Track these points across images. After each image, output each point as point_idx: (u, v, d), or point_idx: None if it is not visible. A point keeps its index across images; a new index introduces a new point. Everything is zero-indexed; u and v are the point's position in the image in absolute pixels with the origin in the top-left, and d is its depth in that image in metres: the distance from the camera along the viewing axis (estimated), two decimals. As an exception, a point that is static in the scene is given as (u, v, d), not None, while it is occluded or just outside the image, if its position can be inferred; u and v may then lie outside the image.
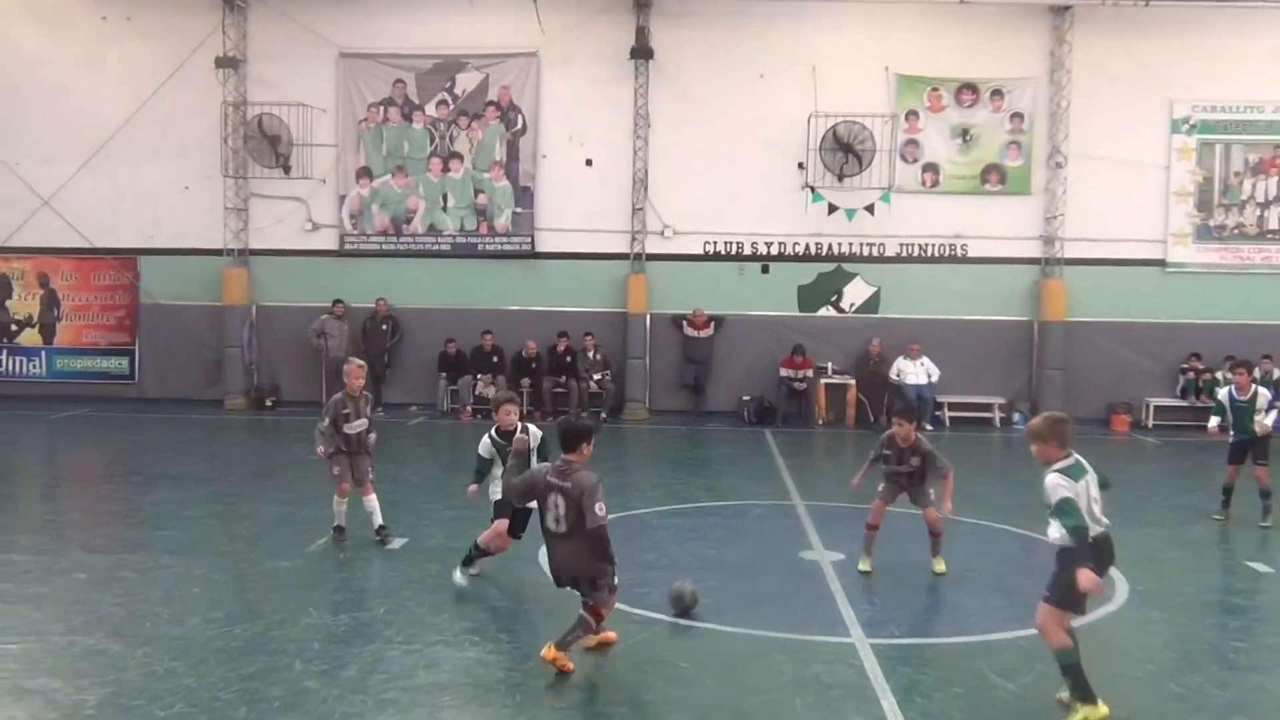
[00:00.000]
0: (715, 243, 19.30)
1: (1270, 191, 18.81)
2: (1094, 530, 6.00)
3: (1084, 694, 5.88)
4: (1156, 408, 18.60)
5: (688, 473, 14.61)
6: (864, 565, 9.05)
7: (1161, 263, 18.87)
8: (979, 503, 11.97)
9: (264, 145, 19.36)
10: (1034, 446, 6.03)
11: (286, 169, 19.45)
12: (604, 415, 18.70)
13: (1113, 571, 9.04)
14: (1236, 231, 18.86)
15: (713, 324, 19.05)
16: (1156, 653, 7.37)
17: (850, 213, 18.86)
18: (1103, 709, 5.77)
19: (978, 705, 6.24)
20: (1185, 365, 18.52)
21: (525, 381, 18.53)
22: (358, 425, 9.49)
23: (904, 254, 19.12)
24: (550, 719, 5.92)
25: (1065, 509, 5.76)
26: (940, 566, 9.03)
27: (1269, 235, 18.81)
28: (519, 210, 19.45)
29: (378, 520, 9.61)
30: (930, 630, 7.66)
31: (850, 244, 19.14)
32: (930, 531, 9.06)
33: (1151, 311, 18.71)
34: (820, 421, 18.52)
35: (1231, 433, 11.42)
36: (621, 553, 10.03)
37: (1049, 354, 18.62)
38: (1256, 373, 17.98)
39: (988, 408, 18.80)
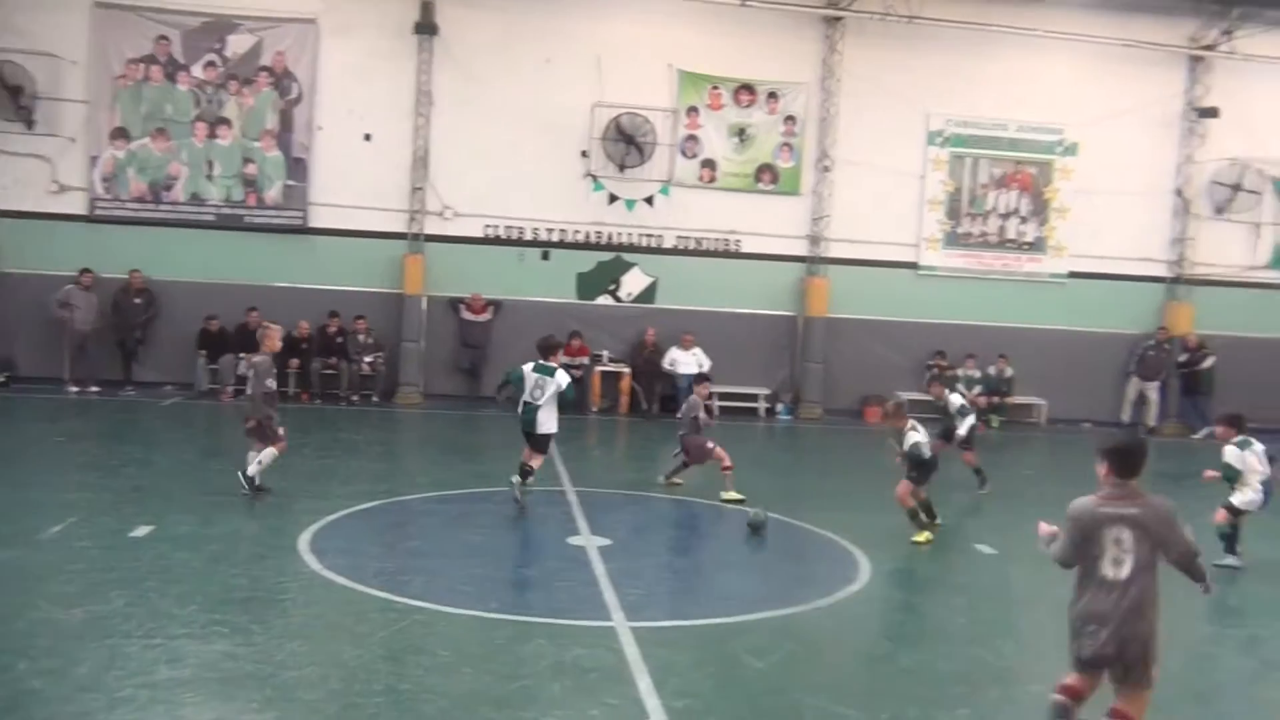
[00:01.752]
0: (496, 226, 19.16)
1: (1010, 204, 20.44)
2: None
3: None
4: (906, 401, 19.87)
5: (459, 458, 14.48)
6: None
7: (914, 265, 20.17)
8: (742, 489, 12.45)
9: (3, 96, 17.71)
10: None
11: (30, 123, 17.87)
12: (375, 399, 18.27)
13: (857, 554, 9.68)
14: (980, 239, 20.39)
15: (491, 308, 18.92)
16: (892, 628, 7.91)
17: (630, 203, 19.17)
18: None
19: (728, 683, 6.51)
20: (931, 362, 19.89)
21: (294, 362, 17.82)
22: (272, 384, 10.62)
23: (681, 246, 19.60)
24: (301, 713, 5.74)
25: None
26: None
27: (1008, 244, 20.44)
28: (291, 183, 18.64)
29: (254, 470, 10.45)
30: (690, 613, 7.90)
31: (629, 234, 19.45)
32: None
33: (904, 311, 19.97)
34: (594, 408, 18.75)
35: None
36: (385, 540, 9.94)
37: (811, 348, 19.57)
38: (992, 370, 19.63)
39: (754, 398, 19.57)
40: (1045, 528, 5.51)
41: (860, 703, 6.28)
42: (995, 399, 19.67)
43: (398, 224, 18.87)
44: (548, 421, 11.02)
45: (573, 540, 9.75)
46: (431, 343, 18.92)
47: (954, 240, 20.26)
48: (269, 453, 10.53)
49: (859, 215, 19.66)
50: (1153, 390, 20.19)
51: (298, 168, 18.62)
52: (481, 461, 14.24)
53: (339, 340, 18.32)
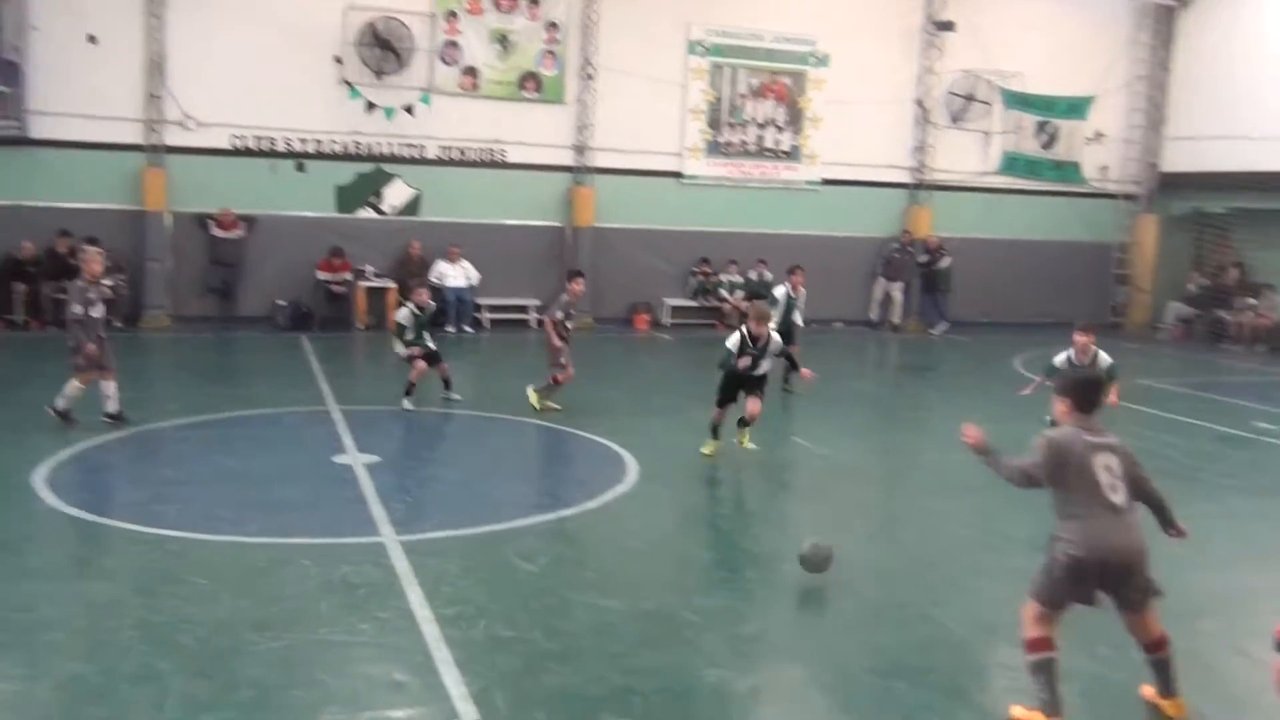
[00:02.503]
0: (244, 137, 18.01)
1: (767, 114, 21.05)
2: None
3: None
4: (672, 307, 20.43)
5: (213, 382, 13.78)
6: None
7: (678, 174, 20.53)
8: (511, 399, 12.48)
9: None
10: None
11: None
12: (117, 324, 17.02)
13: (626, 456, 9.94)
14: (740, 148, 20.95)
15: (243, 224, 17.87)
16: (658, 524, 8.21)
17: (389, 112, 18.45)
18: None
19: (499, 587, 6.60)
20: (695, 269, 20.46)
21: (22, 287, 16.34)
22: (99, 310, 10.10)
23: (444, 157, 19.10)
24: (44, 654, 5.40)
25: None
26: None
27: (766, 153, 21.10)
28: (6, 89, 16.78)
29: (114, 406, 10.04)
30: (460, 523, 7.91)
31: (390, 144, 18.75)
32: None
33: (669, 219, 20.34)
34: (360, 326, 18.22)
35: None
36: (133, 471, 9.39)
37: (580, 257, 19.60)
38: (753, 275, 20.40)
39: (524, 309, 19.55)
40: (973, 431, 5.33)
41: (626, 595, 6.51)
42: (757, 302, 20.45)
43: (133, 135, 17.42)
44: None
45: (338, 459, 9.52)
46: (179, 262, 17.75)
47: (715, 149, 20.71)
48: (74, 384, 9.96)
49: (623, 124, 19.72)
50: (897, 290, 21.55)
51: (12, 72, 16.77)
52: (237, 385, 13.63)
53: (72, 261, 16.89)
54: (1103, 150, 22.88)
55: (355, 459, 9.49)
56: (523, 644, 5.74)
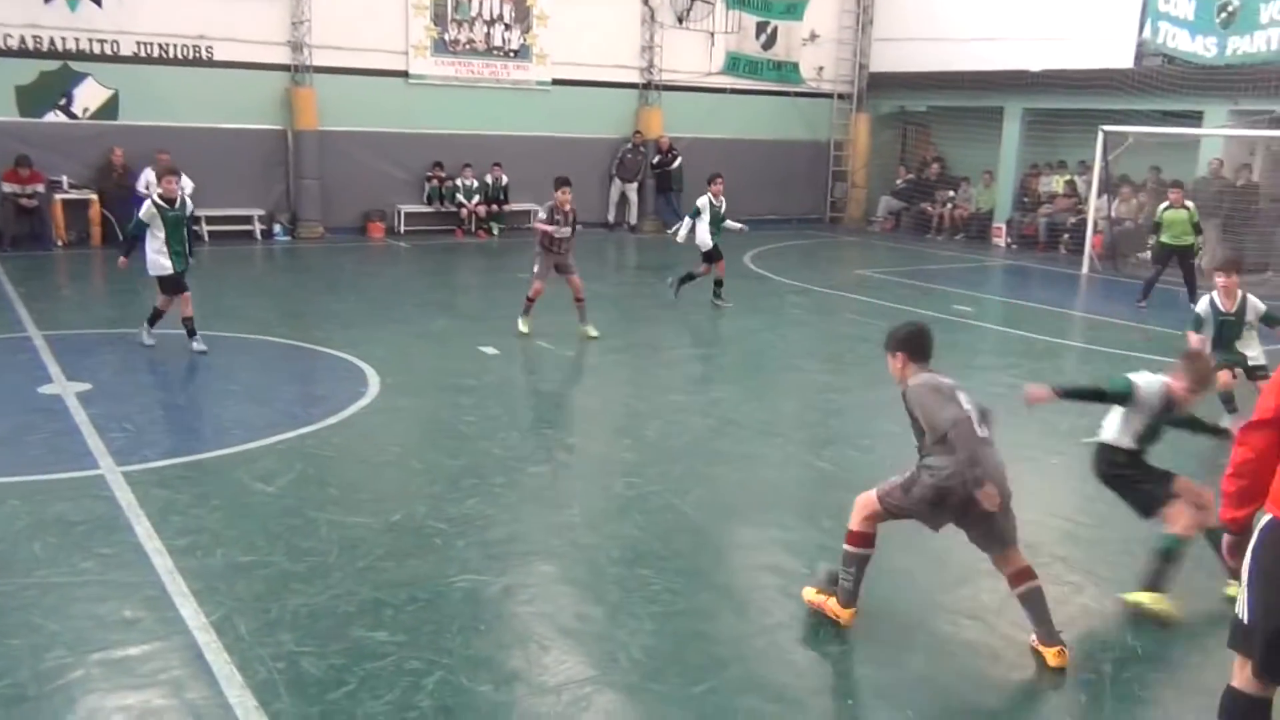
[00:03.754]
0: (-103, 30, 15.76)
1: (494, 10, 20.50)
2: None
3: None
4: (407, 214, 19.84)
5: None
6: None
7: (405, 74, 19.73)
8: (239, 316, 11.87)
9: None
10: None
11: None
12: None
13: (366, 369, 9.69)
14: (468, 47, 20.36)
15: (-96, 131, 15.74)
16: (402, 435, 8.08)
17: (73, 2, 16.60)
18: None
19: (236, 512, 6.32)
20: (429, 174, 19.89)
21: None
22: None
23: (142, 54, 17.43)
24: None
25: None
26: (592, 331, 11.00)
27: (494, 51, 20.61)
28: None
29: None
30: (188, 449, 7.48)
31: (77, 39, 16.89)
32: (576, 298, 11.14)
33: (398, 122, 19.56)
34: (60, 243, 16.59)
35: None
36: None
37: (305, 164, 18.63)
38: (489, 179, 20.07)
39: (247, 220, 18.42)
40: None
41: (372, 509, 6.40)
42: (494, 207, 20.25)
43: None
44: None
45: (45, 389, 8.73)
46: None
47: (443, 48, 20.03)
48: None
49: (343, 20, 18.67)
50: (632, 191, 21.89)
51: None
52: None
53: None
54: (819, 51, 23.91)
55: (64, 388, 8.74)
56: (264, 567, 5.54)
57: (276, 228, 18.54)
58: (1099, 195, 18.34)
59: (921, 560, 5.78)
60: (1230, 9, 17.59)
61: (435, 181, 19.95)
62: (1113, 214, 18.73)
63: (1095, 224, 18.43)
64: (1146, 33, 18.83)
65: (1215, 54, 17.85)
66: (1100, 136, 17.67)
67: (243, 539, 5.90)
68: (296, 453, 7.46)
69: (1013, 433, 8.55)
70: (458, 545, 5.93)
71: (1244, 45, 17.47)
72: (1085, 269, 17.84)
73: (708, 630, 5.10)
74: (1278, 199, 17.30)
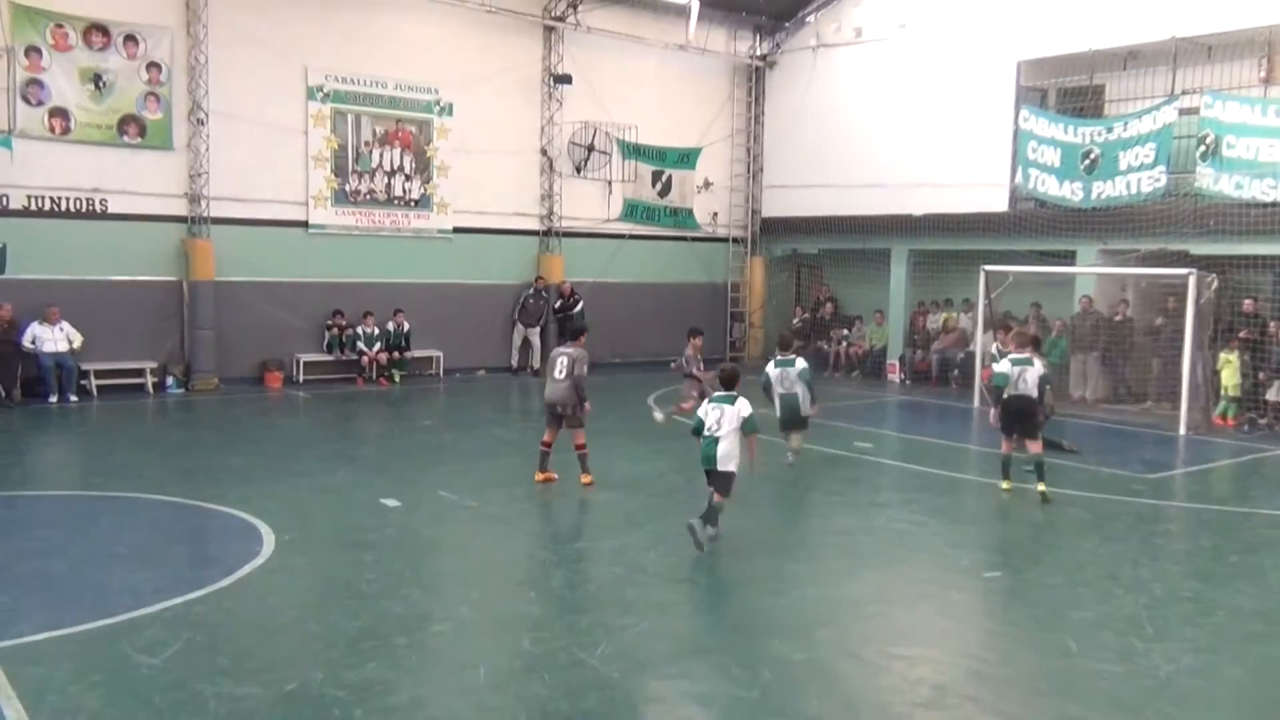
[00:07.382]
0: None
1: (395, 161, 20.82)
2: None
3: None
4: (306, 363, 19.57)
5: None
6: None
7: (305, 224, 19.75)
8: (129, 473, 11.44)
9: None
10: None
11: None
12: None
13: (260, 526, 9.37)
14: (369, 197, 20.54)
15: None
16: (298, 596, 7.77)
17: (-39, 157, 16.36)
18: None
19: (118, 688, 5.95)
20: (329, 322, 19.76)
21: None
22: None
23: (34, 208, 17.16)
24: None
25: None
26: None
27: (395, 201, 20.83)
28: None
29: None
30: (68, 620, 7.04)
31: (-35, 194, 16.61)
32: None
33: (298, 271, 19.51)
34: (-64, 400, 15.90)
35: None
36: None
37: (200, 314, 18.34)
38: (391, 325, 20.01)
39: (140, 373, 17.93)
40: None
41: (265, 678, 6.09)
42: (396, 354, 20.14)
43: None
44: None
45: (-91, 561, 8.21)
46: None
47: (343, 198, 20.18)
48: None
49: (242, 172, 18.75)
50: (535, 335, 22.03)
51: None
52: None
53: None
54: (712, 198, 24.81)
55: (-69, 559, 8.22)
56: (147, 750, 5.19)
57: (169, 380, 18.08)
58: (984, 331, 19.09)
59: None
60: (1092, 156, 18.84)
61: (335, 330, 19.81)
62: (996, 350, 19.45)
63: (983, 359, 19.12)
64: (1018, 179, 20.02)
65: (1082, 198, 19.02)
66: (982, 275, 18.50)
67: (124, 718, 5.53)
68: (184, 620, 7.10)
69: (916, 569, 8.66)
70: (356, 715, 5.66)
71: (1107, 190, 18.66)
72: (976, 403, 18.40)
73: (620, 795, 4.91)
74: (1150, 332, 18.20)
